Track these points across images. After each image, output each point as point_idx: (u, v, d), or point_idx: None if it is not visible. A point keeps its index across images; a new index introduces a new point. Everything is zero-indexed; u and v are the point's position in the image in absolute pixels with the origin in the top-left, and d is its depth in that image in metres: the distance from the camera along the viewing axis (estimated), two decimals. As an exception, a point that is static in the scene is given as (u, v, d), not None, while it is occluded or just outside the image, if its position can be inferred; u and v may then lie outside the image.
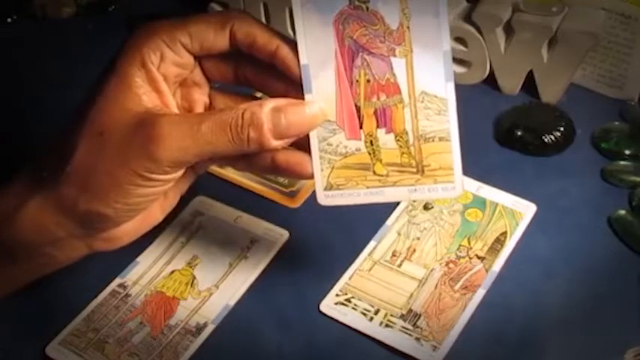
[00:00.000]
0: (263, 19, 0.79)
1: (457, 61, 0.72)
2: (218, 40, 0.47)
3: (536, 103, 0.70)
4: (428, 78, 0.47)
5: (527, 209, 0.61)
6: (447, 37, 0.46)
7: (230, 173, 0.65)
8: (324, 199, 0.49)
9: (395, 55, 0.47)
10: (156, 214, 0.50)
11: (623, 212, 0.60)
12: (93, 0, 0.85)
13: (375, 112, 0.48)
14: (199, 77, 0.50)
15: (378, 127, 0.48)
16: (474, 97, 0.71)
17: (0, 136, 0.69)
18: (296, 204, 0.63)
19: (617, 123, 0.68)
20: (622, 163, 0.65)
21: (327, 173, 0.48)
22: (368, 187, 0.48)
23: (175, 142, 0.44)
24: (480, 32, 0.69)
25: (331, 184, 0.48)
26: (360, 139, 0.48)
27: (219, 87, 0.51)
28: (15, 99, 0.74)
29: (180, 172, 0.46)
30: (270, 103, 0.45)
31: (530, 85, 0.71)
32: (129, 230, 0.49)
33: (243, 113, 0.44)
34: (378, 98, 0.47)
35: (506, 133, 0.67)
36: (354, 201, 0.49)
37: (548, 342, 0.54)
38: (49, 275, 0.51)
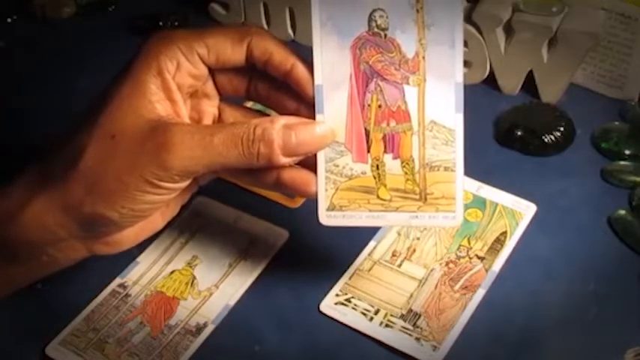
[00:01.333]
0: (263, 20, 0.79)
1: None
2: (235, 54, 0.47)
3: (536, 103, 0.70)
4: (438, 108, 0.47)
5: (527, 209, 0.61)
6: (461, 69, 0.47)
7: (230, 173, 0.65)
8: (326, 219, 0.49)
9: (408, 83, 0.47)
10: (157, 221, 0.50)
11: (623, 212, 0.60)
12: (93, 0, 0.85)
13: (384, 138, 0.48)
14: (211, 89, 0.50)
15: (385, 152, 0.48)
16: (474, 97, 0.70)
17: (0, 136, 0.69)
18: (296, 204, 0.63)
19: (617, 123, 0.68)
20: (622, 163, 0.65)
21: (331, 194, 0.49)
22: (370, 211, 0.49)
23: (187, 151, 0.44)
24: (480, 32, 0.69)
25: (334, 205, 0.49)
26: (367, 163, 0.49)
27: (229, 100, 0.51)
28: (15, 99, 0.74)
29: (187, 182, 0.46)
30: (281, 120, 0.46)
31: (530, 85, 0.71)
32: (129, 236, 0.49)
33: (255, 128, 0.45)
34: (388, 124, 0.48)
35: (506, 133, 0.67)
36: (356, 223, 0.49)
37: (548, 342, 0.54)
38: (50, 275, 0.51)
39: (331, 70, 0.47)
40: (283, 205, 0.63)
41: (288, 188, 0.48)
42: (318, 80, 0.47)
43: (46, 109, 0.72)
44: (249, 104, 0.56)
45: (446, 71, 0.47)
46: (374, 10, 0.46)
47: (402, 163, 0.48)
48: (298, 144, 0.46)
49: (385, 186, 0.49)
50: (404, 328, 0.54)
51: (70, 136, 0.47)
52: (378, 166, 0.49)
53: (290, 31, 0.79)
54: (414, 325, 0.54)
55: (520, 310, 0.55)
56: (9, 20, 0.84)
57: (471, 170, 0.61)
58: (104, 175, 0.45)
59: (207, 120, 0.50)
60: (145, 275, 0.58)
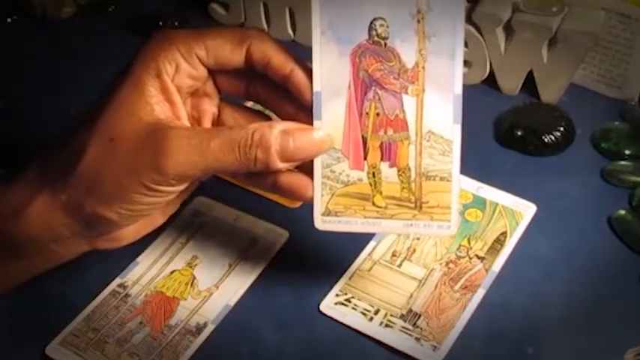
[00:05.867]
0: (263, 20, 0.79)
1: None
2: (234, 56, 0.47)
3: (536, 103, 0.70)
4: (436, 118, 0.47)
5: (527, 209, 0.61)
6: (460, 80, 0.47)
7: (230, 173, 0.65)
8: (322, 223, 0.50)
9: (407, 93, 0.47)
10: (157, 218, 0.50)
11: (623, 212, 0.60)
12: (93, 0, 0.85)
13: (381, 146, 0.48)
14: (211, 89, 0.50)
15: (382, 160, 0.48)
16: (474, 97, 0.70)
17: (0, 135, 0.69)
18: (296, 204, 0.63)
19: (617, 123, 0.68)
20: (622, 163, 0.65)
21: (327, 199, 0.49)
22: (365, 217, 0.49)
23: (183, 156, 0.44)
24: (480, 32, 0.70)
25: (329, 210, 0.49)
26: (363, 170, 0.49)
27: (229, 99, 0.51)
28: (15, 99, 0.74)
29: (185, 185, 0.47)
30: (279, 126, 0.46)
31: (530, 85, 0.71)
32: (130, 232, 0.49)
33: (252, 133, 0.45)
34: (386, 132, 0.48)
35: (506, 133, 0.67)
36: (351, 229, 0.49)
37: (548, 342, 0.54)
38: (50, 275, 0.51)
39: (330, 77, 0.47)
40: (283, 205, 0.63)
41: (285, 192, 0.48)
42: (316, 87, 0.47)
43: (46, 109, 0.72)
44: (249, 104, 0.56)
45: (445, 82, 0.47)
46: (374, 19, 0.46)
47: (399, 171, 0.48)
48: (296, 149, 0.46)
49: (381, 193, 0.49)
50: (404, 328, 0.54)
51: (70, 136, 0.47)
52: (374, 173, 0.49)
53: (290, 31, 0.79)
54: (414, 325, 0.54)
55: (520, 310, 0.55)
56: (9, 20, 0.84)
57: (471, 170, 0.61)
58: (103, 178, 0.45)
59: (208, 118, 0.50)
60: (145, 275, 0.58)
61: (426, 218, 0.49)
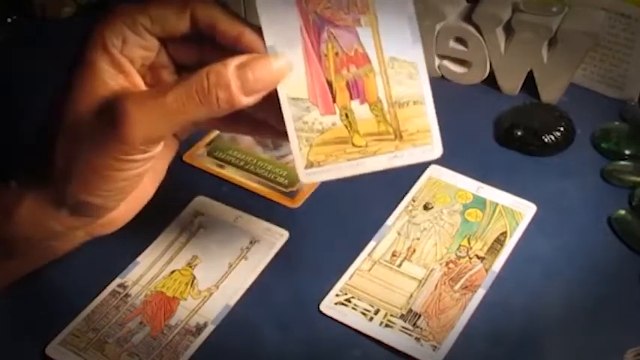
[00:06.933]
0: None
1: (457, 61, 0.72)
2: (179, 23, 0.46)
3: (536, 103, 0.70)
4: (395, 43, 0.46)
5: (527, 209, 0.61)
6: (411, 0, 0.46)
7: (230, 173, 0.65)
8: (306, 177, 0.48)
9: (360, 25, 0.46)
10: (146, 189, 0.49)
11: (623, 212, 0.60)
12: (93, 0, 0.85)
13: (347, 85, 0.47)
14: (166, 59, 0.49)
15: (351, 99, 0.47)
16: (474, 97, 0.71)
17: (0, 136, 0.69)
18: (296, 204, 0.63)
19: (617, 123, 0.68)
20: (622, 163, 0.65)
21: (306, 151, 0.48)
22: (349, 160, 0.48)
23: (143, 119, 0.43)
24: (480, 32, 0.70)
25: (311, 162, 0.48)
26: (335, 114, 0.47)
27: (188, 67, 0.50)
28: (14, 99, 0.74)
29: (158, 148, 0.45)
30: (233, 61, 0.44)
31: (530, 85, 0.71)
32: (123, 212, 0.48)
33: (207, 75, 0.43)
34: (349, 70, 0.47)
35: (506, 133, 0.67)
36: (336, 175, 0.48)
37: (548, 342, 0.54)
38: (50, 275, 0.51)
39: (280, 28, 0.46)
40: (283, 205, 0.63)
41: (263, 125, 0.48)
42: (269, 41, 0.45)
43: (45, 109, 0.72)
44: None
45: (396, 5, 0.45)
46: None
47: (371, 106, 0.47)
48: (256, 80, 0.44)
49: (358, 132, 0.47)
50: (404, 328, 0.54)
51: (47, 132, 0.47)
52: (347, 114, 0.47)
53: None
54: (414, 325, 0.54)
55: (520, 310, 0.55)
56: (9, 20, 0.84)
57: (471, 170, 0.61)
58: (75, 163, 0.45)
59: None
60: (145, 275, 0.58)
61: (409, 146, 0.48)
